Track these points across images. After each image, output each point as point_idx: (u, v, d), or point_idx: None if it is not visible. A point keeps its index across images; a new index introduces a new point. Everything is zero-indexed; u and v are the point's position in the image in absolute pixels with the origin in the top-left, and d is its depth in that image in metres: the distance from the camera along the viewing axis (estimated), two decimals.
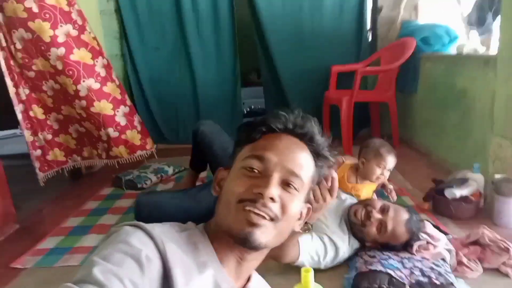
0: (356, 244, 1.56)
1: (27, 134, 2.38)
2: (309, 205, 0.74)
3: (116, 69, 3.42)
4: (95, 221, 2.11)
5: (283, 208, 0.65)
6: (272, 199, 0.63)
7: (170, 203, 1.76)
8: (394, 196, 1.86)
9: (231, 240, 0.64)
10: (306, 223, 1.18)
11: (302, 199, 0.70)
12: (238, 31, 3.45)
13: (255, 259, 0.69)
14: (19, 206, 2.35)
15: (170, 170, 2.77)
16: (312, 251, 1.44)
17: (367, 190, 1.81)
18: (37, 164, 2.44)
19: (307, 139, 0.71)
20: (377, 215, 1.48)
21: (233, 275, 0.67)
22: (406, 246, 1.51)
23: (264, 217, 0.63)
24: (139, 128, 2.68)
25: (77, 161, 2.66)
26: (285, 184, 0.66)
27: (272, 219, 0.64)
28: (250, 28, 3.48)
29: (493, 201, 1.82)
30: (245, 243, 0.63)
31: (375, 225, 1.48)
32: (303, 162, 0.69)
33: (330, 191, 1.02)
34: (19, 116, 2.31)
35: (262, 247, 0.65)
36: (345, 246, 1.52)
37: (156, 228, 0.60)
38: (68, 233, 2.01)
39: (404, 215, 1.49)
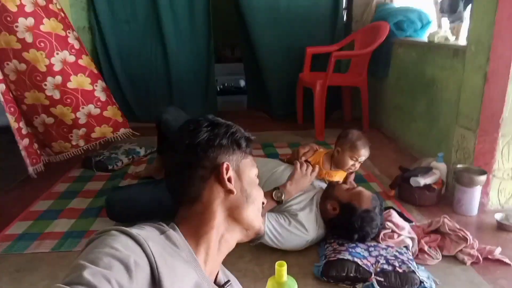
0: (322, 224, 1.64)
1: (11, 120, 2.13)
2: None
3: (83, 42, 3.28)
4: (65, 205, 2.08)
5: None
6: None
7: (142, 196, 1.75)
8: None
9: (250, 237, 0.79)
10: (280, 193, 1.50)
11: None
12: (212, 4, 3.36)
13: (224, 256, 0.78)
14: None
15: (142, 151, 2.73)
16: (274, 222, 1.57)
17: (340, 176, 1.88)
18: (25, 154, 2.20)
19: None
20: (353, 183, 1.78)
21: (208, 273, 0.71)
22: (364, 236, 1.56)
23: None
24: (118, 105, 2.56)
25: (51, 155, 2.45)
26: None
27: None
28: (225, 1, 3.38)
29: (454, 190, 1.93)
30: (260, 239, 0.81)
31: (348, 185, 1.68)
32: None
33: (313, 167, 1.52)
34: (1, 98, 2.09)
35: None
36: (311, 224, 1.60)
37: (142, 233, 0.62)
38: (37, 217, 1.97)
39: (374, 195, 1.63)
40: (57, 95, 2.25)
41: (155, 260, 0.58)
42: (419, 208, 1.97)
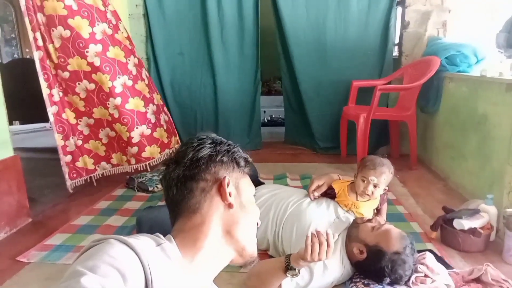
0: (348, 264, 1.53)
1: (58, 138, 2.39)
2: None
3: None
4: (103, 221, 2.18)
5: None
6: None
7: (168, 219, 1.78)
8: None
9: (244, 258, 0.78)
10: (294, 269, 1.27)
11: None
12: (265, 39, 3.47)
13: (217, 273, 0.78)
14: (35, 199, 2.45)
15: None
16: (293, 282, 1.44)
17: (367, 208, 1.77)
18: (66, 170, 2.45)
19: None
20: (378, 219, 1.56)
21: (200, 287, 0.73)
22: (397, 279, 1.44)
23: None
24: (165, 127, 2.75)
25: (106, 169, 2.63)
26: None
27: None
28: (277, 36, 3.48)
29: (504, 236, 1.73)
30: (252, 263, 0.80)
31: (374, 224, 1.51)
32: None
33: (328, 252, 1.22)
34: (51, 118, 2.35)
35: None
36: (336, 265, 1.50)
37: (139, 243, 0.63)
38: (76, 230, 2.08)
39: (403, 233, 1.48)
40: (116, 115, 2.47)
41: (150, 271, 0.59)
42: (463, 254, 1.78)
